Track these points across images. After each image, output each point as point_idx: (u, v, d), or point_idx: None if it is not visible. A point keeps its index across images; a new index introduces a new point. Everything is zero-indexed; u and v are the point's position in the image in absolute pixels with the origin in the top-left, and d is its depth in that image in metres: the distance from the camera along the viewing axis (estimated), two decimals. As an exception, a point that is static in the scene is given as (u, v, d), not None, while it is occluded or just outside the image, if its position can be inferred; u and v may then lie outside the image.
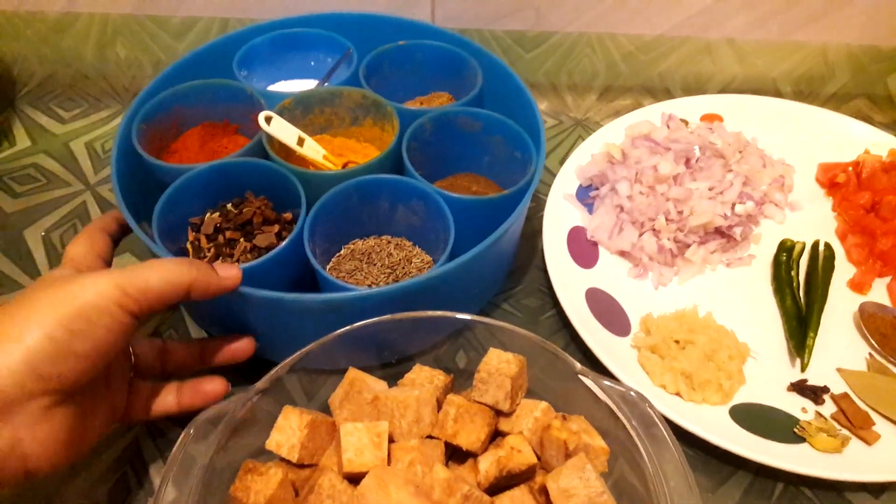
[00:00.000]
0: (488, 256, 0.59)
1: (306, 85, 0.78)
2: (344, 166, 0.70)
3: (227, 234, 0.63)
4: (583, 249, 0.74)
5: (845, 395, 0.63)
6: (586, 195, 0.79)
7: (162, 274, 0.47)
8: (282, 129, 0.67)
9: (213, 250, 0.63)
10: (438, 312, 0.55)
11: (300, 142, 0.68)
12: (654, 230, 0.72)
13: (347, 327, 0.53)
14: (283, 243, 0.59)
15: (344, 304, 0.56)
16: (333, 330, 0.53)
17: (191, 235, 0.65)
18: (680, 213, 0.72)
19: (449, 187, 0.71)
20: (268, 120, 0.66)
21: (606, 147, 0.80)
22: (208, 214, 0.65)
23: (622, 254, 0.74)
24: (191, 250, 0.63)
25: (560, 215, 0.75)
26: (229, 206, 0.66)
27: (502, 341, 0.54)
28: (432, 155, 0.70)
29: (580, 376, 0.52)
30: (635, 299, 0.70)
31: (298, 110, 0.70)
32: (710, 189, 0.74)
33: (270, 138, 0.66)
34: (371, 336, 0.55)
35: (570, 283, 0.69)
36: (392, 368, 0.58)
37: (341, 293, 0.57)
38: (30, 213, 0.78)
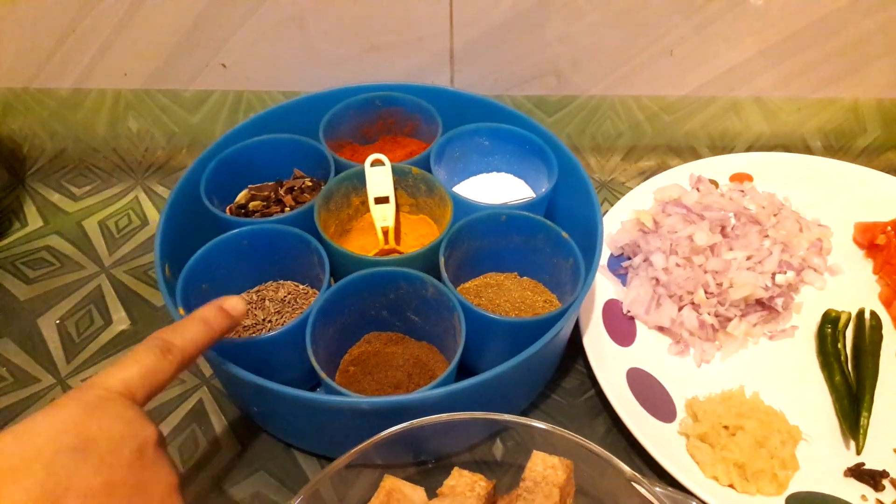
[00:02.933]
0: (531, 362, 0.56)
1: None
2: (388, 252, 0.69)
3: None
4: (619, 325, 0.71)
5: (906, 480, 0.60)
6: (618, 265, 0.76)
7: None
8: (378, 179, 0.69)
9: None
10: (479, 414, 0.52)
11: (380, 200, 0.68)
12: (693, 304, 0.70)
13: (388, 432, 0.50)
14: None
15: (395, 407, 0.53)
16: (363, 426, 0.50)
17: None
18: (719, 285, 0.70)
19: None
20: (376, 163, 0.68)
21: (637, 214, 0.78)
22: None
23: (661, 329, 0.71)
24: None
25: (593, 288, 0.73)
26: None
27: (544, 440, 0.52)
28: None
29: (633, 484, 0.49)
30: (678, 379, 0.67)
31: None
32: (749, 258, 0.72)
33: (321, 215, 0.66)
34: (410, 438, 0.52)
35: (608, 362, 0.66)
36: (425, 465, 0.55)
37: (392, 398, 0.54)
38: (44, 299, 0.76)
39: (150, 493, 0.38)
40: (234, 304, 0.49)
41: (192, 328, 0.46)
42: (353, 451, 0.48)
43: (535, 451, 0.50)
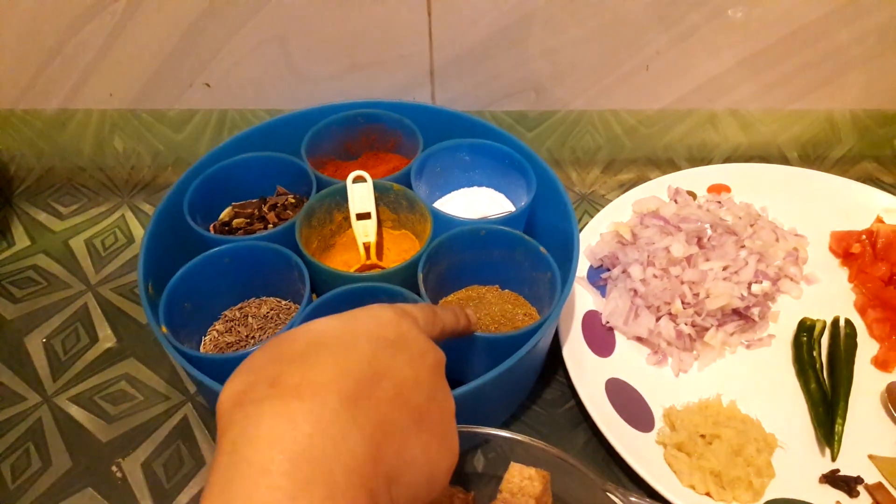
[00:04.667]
0: (509, 375, 0.57)
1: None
2: (371, 267, 0.70)
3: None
4: (599, 336, 0.72)
5: (880, 486, 0.61)
6: (597, 277, 0.77)
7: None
8: (360, 195, 0.70)
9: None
10: (462, 428, 0.52)
11: (361, 216, 0.69)
12: (670, 314, 0.71)
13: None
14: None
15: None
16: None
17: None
18: (696, 295, 0.71)
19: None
20: (358, 180, 0.69)
21: (615, 227, 0.79)
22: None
23: (639, 339, 0.72)
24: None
25: (572, 299, 0.74)
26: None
27: (524, 452, 0.52)
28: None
29: (607, 493, 0.50)
30: (656, 388, 0.68)
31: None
32: (725, 269, 0.73)
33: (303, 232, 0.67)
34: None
35: (588, 373, 0.67)
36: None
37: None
38: (30, 318, 0.77)
39: (440, 405, 0.40)
40: (472, 313, 0.55)
41: (448, 314, 0.50)
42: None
43: (512, 463, 0.51)
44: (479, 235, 0.67)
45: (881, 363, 0.70)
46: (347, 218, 0.71)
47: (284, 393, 0.33)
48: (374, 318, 0.40)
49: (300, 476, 0.30)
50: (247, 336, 0.66)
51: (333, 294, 0.61)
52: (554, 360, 0.70)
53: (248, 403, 0.33)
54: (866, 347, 0.71)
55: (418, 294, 0.62)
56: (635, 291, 0.73)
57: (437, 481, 0.38)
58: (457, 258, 0.68)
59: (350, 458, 0.32)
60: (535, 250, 0.65)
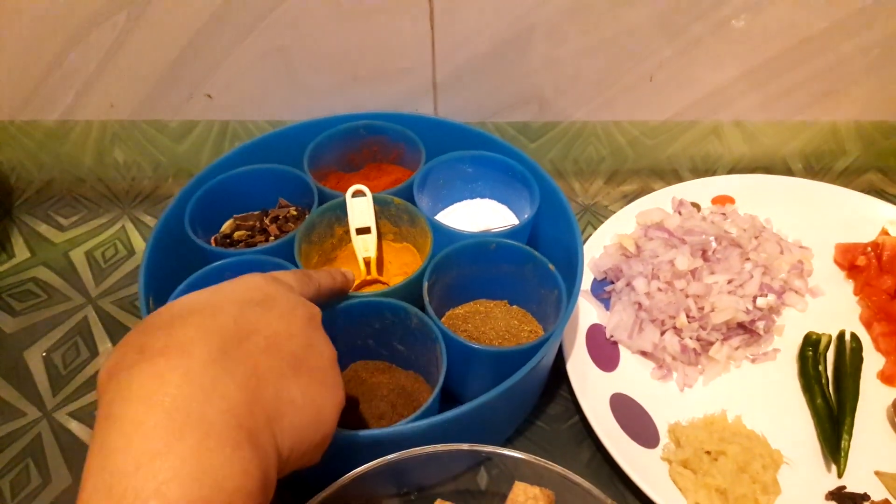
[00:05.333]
0: (513, 391, 0.56)
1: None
2: (371, 283, 0.69)
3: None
4: (603, 350, 0.71)
5: (886, 503, 0.60)
6: (601, 290, 0.77)
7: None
8: (359, 210, 0.69)
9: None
10: (460, 445, 0.52)
11: (361, 231, 0.69)
12: (675, 328, 0.70)
13: (367, 466, 0.50)
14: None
15: (376, 440, 0.53)
16: (344, 460, 0.50)
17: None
18: (701, 309, 0.70)
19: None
20: (357, 194, 0.69)
21: (619, 239, 0.78)
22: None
23: (644, 353, 0.71)
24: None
25: (576, 313, 0.73)
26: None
27: (528, 470, 0.52)
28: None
29: (614, 513, 0.49)
30: (661, 404, 0.68)
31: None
32: (730, 282, 0.72)
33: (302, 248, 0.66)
34: (392, 470, 0.52)
35: (592, 388, 0.67)
36: (407, 498, 0.55)
37: (372, 431, 0.53)
38: (30, 332, 0.76)
39: (319, 354, 0.43)
40: (348, 272, 0.59)
41: (322, 274, 0.54)
42: (332, 485, 0.49)
43: (516, 482, 0.51)
44: (488, 249, 0.67)
45: (887, 377, 0.69)
46: (349, 232, 0.70)
47: (152, 356, 0.35)
48: (240, 284, 0.43)
49: (173, 424, 0.32)
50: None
51: (333, 310, 0.60)
52: (558, 374, 0.69)
53: (118, 372, 0.35)
54: (872, 361, 0.71)
55: (422, 306, 0.61)
56: (640, 305, 0.72)
57: (324, 420, 0.42)
58: (465, 271, 0.67)
59: (222, 402, 0.34)
60: (543, 266, 0.64)
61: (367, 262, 0.69)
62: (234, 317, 0.39)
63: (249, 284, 0.43)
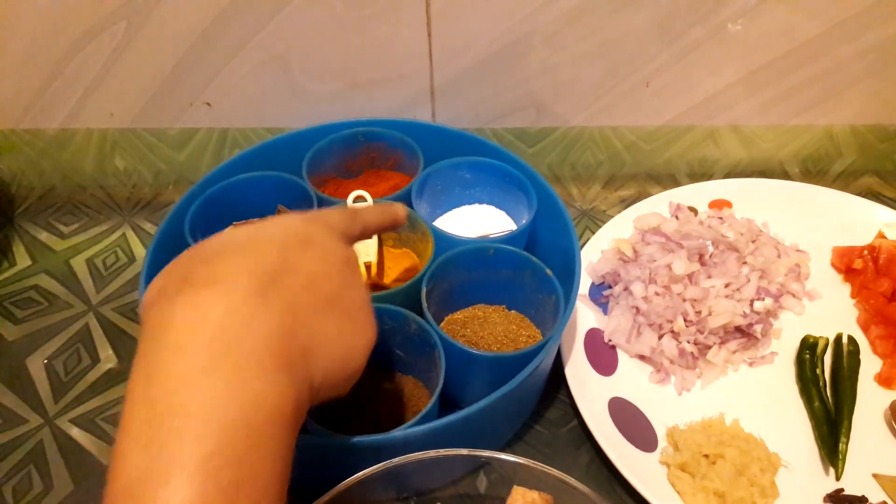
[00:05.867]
0: (511, 396, 0.56)
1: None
2: (371, 287, 0.69)
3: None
4: (601, 354, 0.72)
5: (885, 505, 0.61)
6: (599, 294, 0.77)
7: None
8: None
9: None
10: (458, 451, 0.52)
11: None
12: (672, 332, 0.71)
13: (367, 471, 0.51)
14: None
15: (375, 445, 0.53)
16: (344, 465, 0.51)
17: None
18: (698, 313, 0.71)
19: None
20: (358, 199, 0.70)
21: (617, 243, 0.79)
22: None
23: (642, 357, 0.72)
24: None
25: (574, 317, 0.74)
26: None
27: (527, 474, 0.52)
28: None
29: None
30: (659, 407, 0.68)
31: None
32: (727, 286, 0.73)
33: None
34: (392, 475, 0.52)
35: (590, 392, 0.67)
36: (407, 503, 0.55)
37: (371, 437, 0.54)
38: (31, 339, 0.76)
39: (353, 295, 0.45)
40: (399, 207, 0.57)
41: (370, 211, 0.53)
42: (332, 490, 0.49)
43: (515, 486, 0.51)
44: (487, 255, 0.67)
45: (885, 380, 0.70)
46: (349, 237, 0.71)
47: (195, 286, 0.37)
48: (281, 224, 0.44)
49: (215, 349, 0.34)
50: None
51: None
52: (556, 378, 0.70)
53: (162, 299, 0.37)
54: (869, 364, 0.71)
55: (421, 312, 0.61)
56: (637, 309, 0.73)
57: (354, 356, 0.43)
58: (463, 276, 0.68)
59: (261, 332, 0.36)
60: (541, 272, 0.65)
61: (368, 267, 0.69)
62: (275, 255, 0.40)
63: (289, 225, 0.44)
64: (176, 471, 0.30)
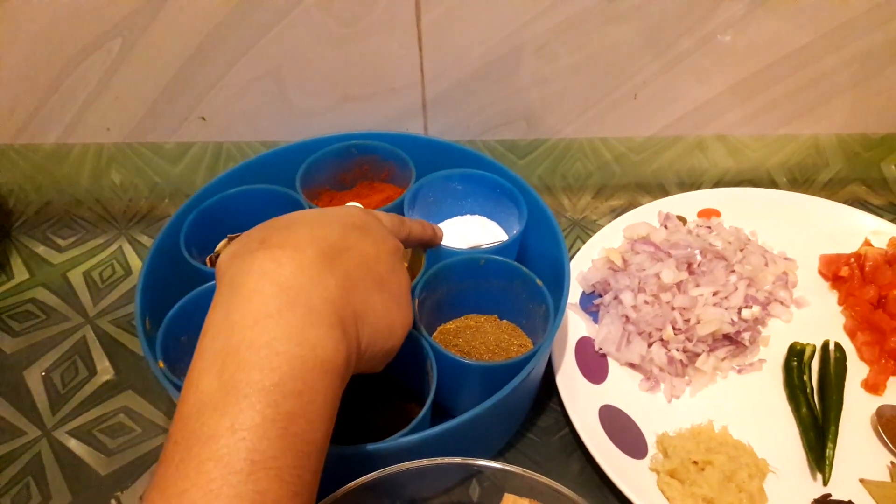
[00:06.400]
0: (502, 405, 0.57)
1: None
2: None
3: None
4: (592, 362, 0.73)
5: (871, 509, 0.62)
6: (590, 303, 0.78)
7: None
8: None
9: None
10: (449, 459, 0.53)
11: None
12: (662, 340, 0.72)
13: (358, 481, 0.51)
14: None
15: (368, 455, 0.54)
16: (336, 475, 0.51)
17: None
18: (687, 321, 0.72)
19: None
20: None
21: (607, 253, 0.80)
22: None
23: (632, 365, 0.73)
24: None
25: (565, 326, 0.75)
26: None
27: (518, 482, 0.53)
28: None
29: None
30: (649, 415, 0.69)
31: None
32: (715, 294, 0.74)
33: None
34: (383, 485, 0.53)
35: (581, 400, 0.68)
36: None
37: (363, 447, 0.55)
38: (29, 352, 0.77)
39: (398, 280, 0.50)
40: (439, 229, 0.66)
41: (415, 223, 0.61)
42: (325, 500, 0.50)
43: (506, 494, 0.52)
44: (478, 265, 0.68)
45: (871, 386, 0.71)
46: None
47: (270, 246, 0.42)
48: (344, 210, 0.51)
49: (285, 297, 0.40)
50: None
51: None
52: (548, 386, 0.71)
53: (241, 254, 0.42)
54: (856, 371, 0.72)
55: (413, 323, 0.62)
56: (627, 318, 0.74)
57: (394, 332, 0.49)
58: (455, 286, 0.69)
59: (324, 292, 0.42)
60: (531, 282, 0.66)
61: None
62: (338, 233, 0.46)
63: (351, 212, 0.50)
64: (242, 396, 0.35)
